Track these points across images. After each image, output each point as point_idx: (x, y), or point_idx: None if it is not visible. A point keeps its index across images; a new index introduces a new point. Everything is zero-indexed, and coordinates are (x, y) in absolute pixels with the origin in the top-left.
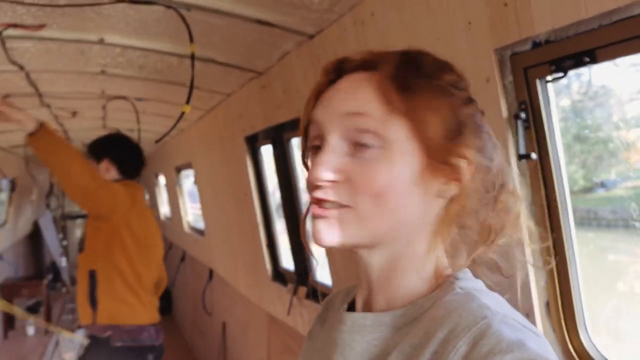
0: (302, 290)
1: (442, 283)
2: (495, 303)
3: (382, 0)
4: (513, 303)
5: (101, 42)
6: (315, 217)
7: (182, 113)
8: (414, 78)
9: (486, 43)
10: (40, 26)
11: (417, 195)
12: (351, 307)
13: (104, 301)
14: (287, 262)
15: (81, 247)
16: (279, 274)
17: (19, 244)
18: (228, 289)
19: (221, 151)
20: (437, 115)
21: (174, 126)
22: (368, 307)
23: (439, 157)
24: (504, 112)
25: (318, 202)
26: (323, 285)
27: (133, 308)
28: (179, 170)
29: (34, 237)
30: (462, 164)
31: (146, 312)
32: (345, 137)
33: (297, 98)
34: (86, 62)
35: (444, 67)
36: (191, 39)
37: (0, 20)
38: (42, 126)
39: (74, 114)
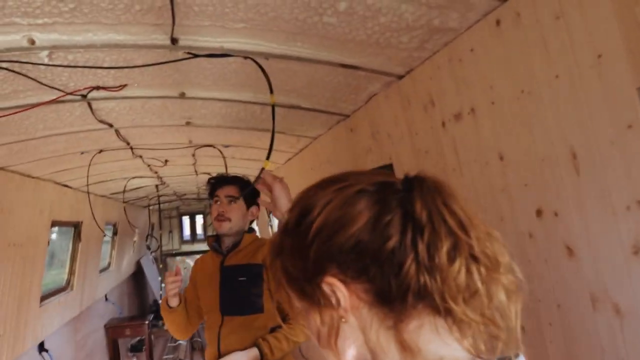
0: None
1: None
2: None
3: (483, 35)
4: None
5: (182, 96)
6: None
7: (262, 169)
8: (273, 257)
9: (625, 80)
10: (121, 86)
11: (321, 330)
12: None
13: None
14: None
15: (246, 309)
16: None
17: (123, 284)
18: None
19: None
20: (290, 274)
21: (255, 181)
22: None
23: (306, 301)
24: None
25: None
26: None
27: None
28: (269, 212)
29: (137, 277)
30: (327, 297)
31: None
32: None
33: (387, 143)
34: (170, 116)
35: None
36: (271, 90)
37: (84, 84)
38: (264, 352)
39: (166, 162)
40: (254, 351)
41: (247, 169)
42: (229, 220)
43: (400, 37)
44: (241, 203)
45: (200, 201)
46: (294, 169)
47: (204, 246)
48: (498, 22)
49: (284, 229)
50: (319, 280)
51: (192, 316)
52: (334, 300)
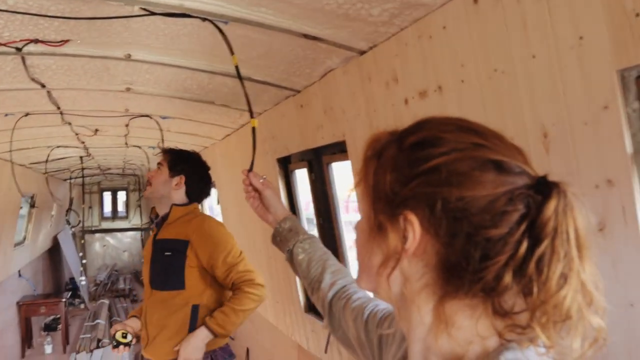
0: None
1: (490, 353)
2: None
3: (458, 12)
4: None
5: (128, 58)
6: None
7: (254, 129)
8: (379, 151)
9: (605, 62)
10: (63, 42)
11: (376, 250)
12: None
13: None
14: None
15: (167, 284)
16: (312, 306)
17: (38, 260)
18: (253, 314)
19: None
20: (379, 178)
21: (254, 148)
22: None
23: (378, 219)
24: (628, 147)
25: None
26: None
27: None
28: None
29: (53, 253)
30: (398, 228)
31: None
32: None
33: (341, 119)
34: (110, 80)
35: (420, 142)
36: (232, 52)
37: (21, 36)
38: (214, 330)
39: (96, 131)
40: (203, 331)
41: (180, 144)
42: (150, 185)
43: (371, 9)
44: (164, 170)
45: (124, 177)
46: (231, 146)
47: (124, 224)
48: (476, 0)
49: (396, 137)
50: (401, 211)
51: None
52: (399, 236)
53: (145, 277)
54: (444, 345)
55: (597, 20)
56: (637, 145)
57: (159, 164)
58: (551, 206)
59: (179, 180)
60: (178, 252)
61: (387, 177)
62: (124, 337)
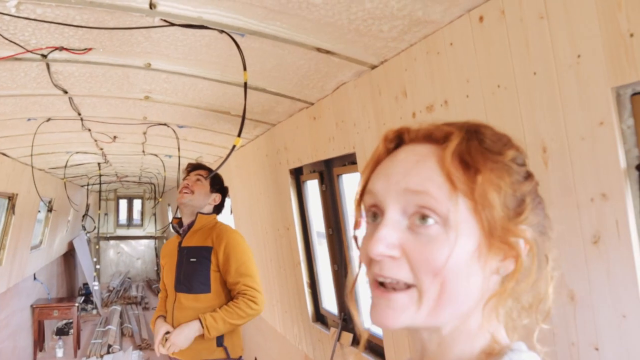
0: (347, 336)
1: (495, 355)
2: None
3: (464, 30)
4: None
5: (148, 67)
6: (376, 296)
7: (233, 146)
8: (477, 155)
9: (601, 80)
10: (87, 50)
11: (476, 276)
12: None
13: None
14: (330, 303)
15: (193, 288)
16: (320, 316)
17: (53, 264)
18: (262, 323)
19: (262, 182)
20: (499, 195)
21: (225, 160)
22: None
23: (499, 237)
24: (622, 162)
25: (379, 283)
26: (373, 335)
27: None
28: None
29: (68, 258)
30: (521, 242)
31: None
32: (405, 212)
33: (352, 132)
34: (130, 88)
35: (506, 142)
36: (244, 67)
37: (47, 43)
38: (205, 329)
39: (114, 138)
40: (197, 325)
41: (196, 153)
42: (192, 192)
43: (381, 25)
44: (206, 184)
45: (141, 185)
46: (248, 156)
47: (139, 231)
48: (481, 18)
49: (510, 160)
50: (518, 228)
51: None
52: (512, 251)
53: (169, 281)
54: (482, 342)
55: (594, 40)
56: (631, 160)
57: (199, 175)
58: None
59: (216, 197)
60: (204, 258)
61: (502, 183)
62: None
